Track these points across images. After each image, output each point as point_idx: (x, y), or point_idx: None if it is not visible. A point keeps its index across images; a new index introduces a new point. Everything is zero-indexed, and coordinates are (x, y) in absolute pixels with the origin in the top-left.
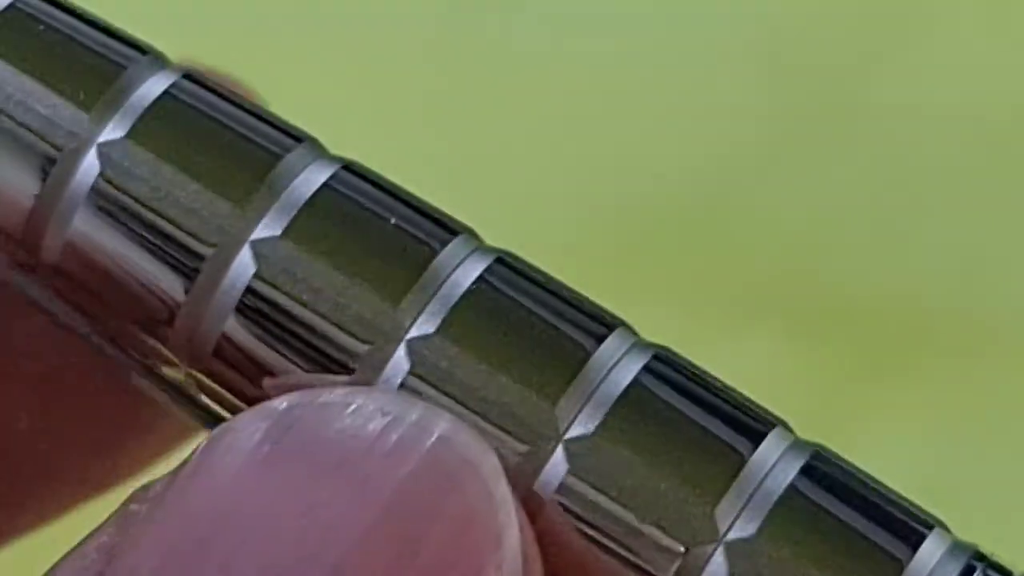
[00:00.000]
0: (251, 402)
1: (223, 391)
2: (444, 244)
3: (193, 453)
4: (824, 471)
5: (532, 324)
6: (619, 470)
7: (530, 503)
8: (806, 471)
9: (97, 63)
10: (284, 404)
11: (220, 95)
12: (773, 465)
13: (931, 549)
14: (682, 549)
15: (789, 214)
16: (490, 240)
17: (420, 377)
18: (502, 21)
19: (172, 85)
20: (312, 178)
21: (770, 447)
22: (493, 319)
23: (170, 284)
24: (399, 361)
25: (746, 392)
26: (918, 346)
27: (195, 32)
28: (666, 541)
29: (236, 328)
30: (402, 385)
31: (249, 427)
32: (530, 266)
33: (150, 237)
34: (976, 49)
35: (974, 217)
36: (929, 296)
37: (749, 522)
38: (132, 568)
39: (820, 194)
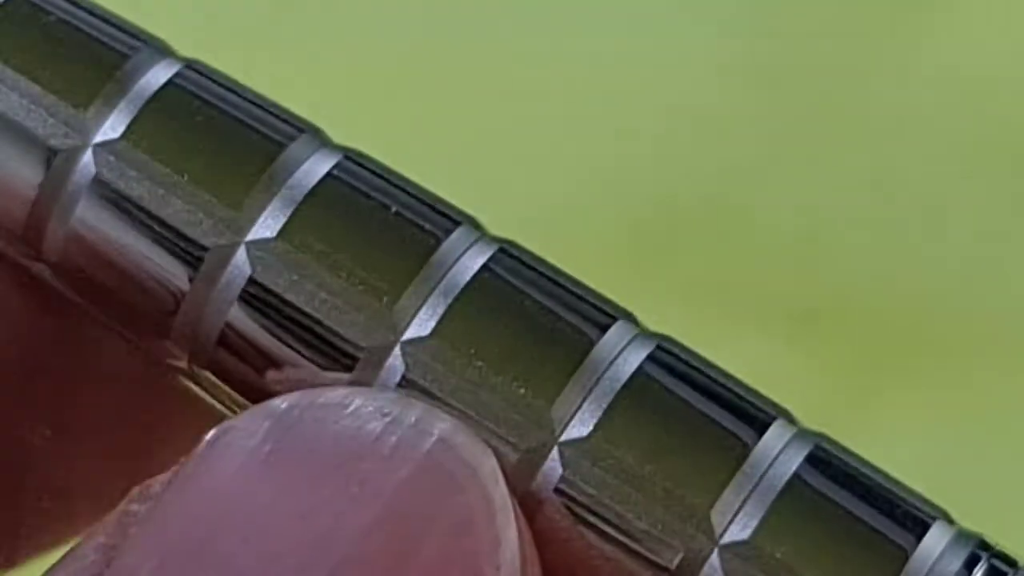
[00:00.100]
0: (255, 399)
1: (226, 387)
2: (446, 234)
3: (193, 452)
4: (828, 460)
5: (533, 315)
6: (620, 464)
7: (529, 502)
8: (810, 460)
9: (98, 54)
10: (284, 404)
11: (222, 85)
12: (777, 455)
13: (935, 538)
14: (685, 541)
15: (790, 214)
16: None
17: (420, 375)
18: (502, 21)
19: (175, 76)
20: (316, 168)
21: (774, 437)
22: (494, 310)
23: (174, 274)
24: (399, 358)
25: None
26: (919, 346)
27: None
28: (669, 534)
29: (240, 317)
30: (402, 382)
31: (249, 427)
32: (532, 255)
33: (153, 228)
34: (977, 48)
35: (974, 217)
36: (930, 296)
37: (752, 513)
38: (132, 569)
39: (821, 194)
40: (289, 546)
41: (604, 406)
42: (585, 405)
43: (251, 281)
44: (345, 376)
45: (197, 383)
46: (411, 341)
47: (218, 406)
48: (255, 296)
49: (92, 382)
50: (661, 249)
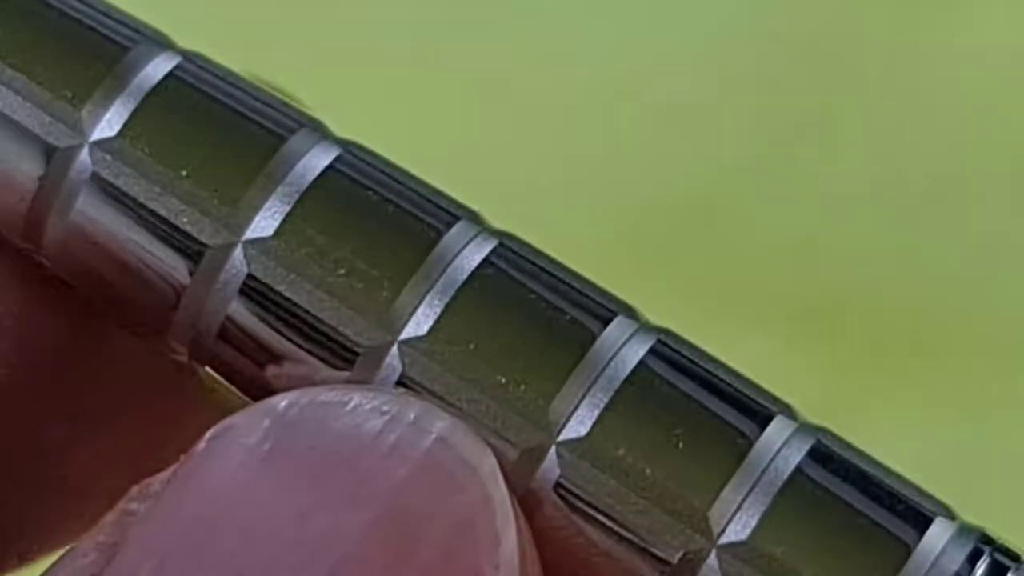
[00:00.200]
0: (255, 395)
1: (226, 382)
2: (443, 232)
3: (192, 451)
4: (830, 455)
5: (532, 312)
6: (621, 462)
7: (528, 500)
8: (812, 454)
9: (94, 49)
10: (284, 402)
11: (219, 78)
12: (779, 449)
13: (938, 533)
14: (686, 537)
15: (790, 214)
16: None
17: (418, 374)
18: (501, 20)
19: (171, 71)
20: (313, 164)
21: (776, 431)
22: (492, 308)
23: (173, 269)
24: (397, 357)
25: None
26: (919, 346)
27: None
28: (671, 529)
29: (240, 312)
30: (400, 380)
31: (248, 425)
32: (531, 249)
33: (151, 225)
34: (977, 48)
35: (975, 217)
36: (930, 296)
37: (754, 509)
38: (131, 568)
39: (821, 194)
40: (288, 545)
41: (604, 403)
42: (585, 402)
43: (249, 278)
44: (345, 372)
45: (199, 378)
46: (408, 340)
47: (222, 399)
48: (254, 293)
49: (109, 373)
50: (661, 249)
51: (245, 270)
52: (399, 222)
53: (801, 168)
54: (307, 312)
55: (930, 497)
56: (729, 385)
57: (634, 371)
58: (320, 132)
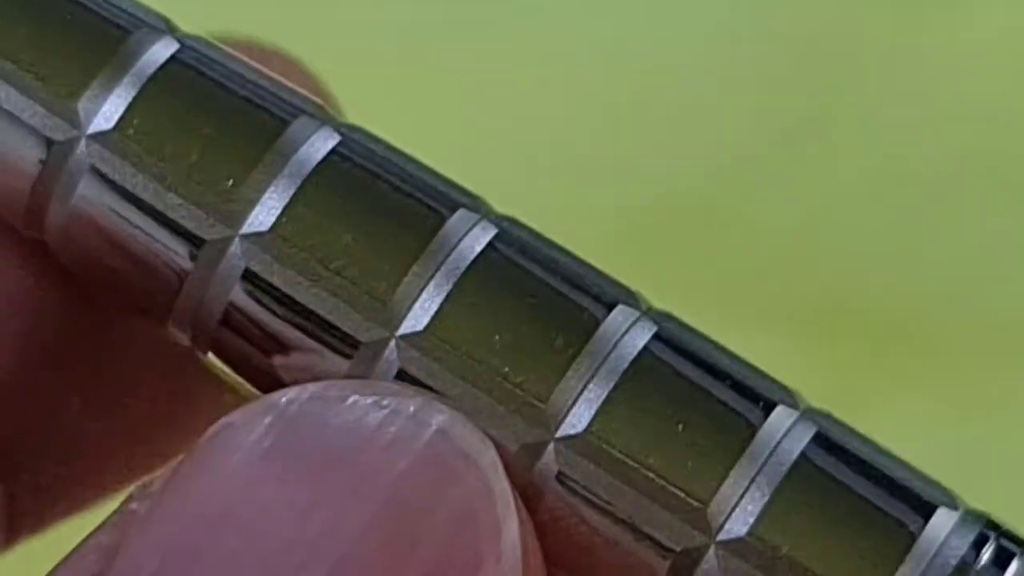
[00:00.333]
0: (258, 383)
1: (228, 369)
2: (439, 225)
3: (192, 449)
4: (835, 440)
5: (531, 304)
6: (624, 453)
7: (530, 491)
8: (817, 440)
9: (91, 37)
10: (283, 399)
11: (222, 63)
12: (784, 435)
13: (942, 519)
14: (691, 526)
15: (791, 213)
16: None
17: (416, 370)
18: (502, 17)
19: (169, 59)
20: (312, 154)
21: (780, 417)
22: (491, 301)
23: (174, 256)
24: (395, 352)
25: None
26: (919, 346)
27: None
28: (675, 519)
29: (240, 301)
30: (399, 375)
31: (248, 423)
32: (531, 235)
33: (150, 217)
34: (978, 48)
35: (976, 216)
36: (931, 296)
37: (759, 496)
38: (133, 568)
39: (822, 193)
40: (290, 542)
41: (604, 395)
42: (585, 394)
43: (248, 272)
44: (347, 360)
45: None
46: (406, 336)
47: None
48: (253, 285)
49: (116, 351)
50: (660, 248)
51: (242, 264)
52: (398, 210)
53: (801, 168)
54: (305, 307)
55: (934, 483)
56: (732, 371)
57: (637, 360)
58: (317, 119)
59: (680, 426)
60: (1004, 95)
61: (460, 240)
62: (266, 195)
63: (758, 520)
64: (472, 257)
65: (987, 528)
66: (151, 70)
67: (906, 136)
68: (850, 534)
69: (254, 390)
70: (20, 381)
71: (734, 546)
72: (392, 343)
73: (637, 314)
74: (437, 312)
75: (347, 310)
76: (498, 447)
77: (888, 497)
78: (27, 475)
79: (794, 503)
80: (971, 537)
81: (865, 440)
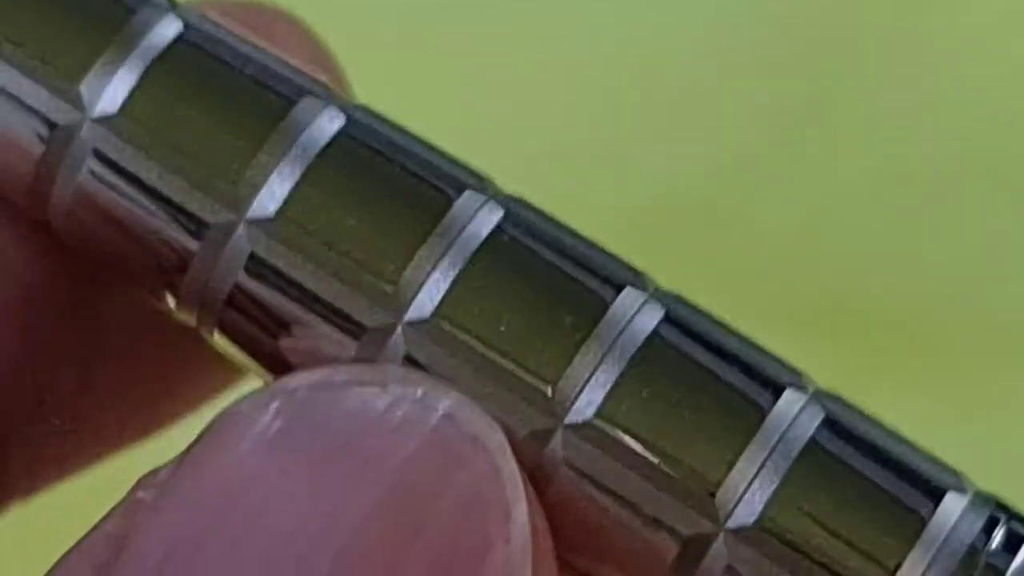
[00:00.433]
0: (264, 364)
1: (235, 348)
2: (445, 209)
3: (199, 437)
4: (845, 424)
5: (537, 290)
6: (632, 435)
7: (539, 474)
8: (827, 424)
9: (101, 12)
10: (291, 384)
11: (226, 42)
12: (794, 419)
13: (953, 502)
14: (700, 511)
15: (791, 213)
16: None
17: (423, 357)
18: (502, 12)
19: (179, 35)
20: (317, 137)
21: (790, 401)
22: (498, 286)
23: (179, 238)
24: (401, 338)
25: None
26: (920, 346)
27: None
28: (683, 505)
29: (248, 282)
30: (406, 360)
31: (255, 410)
32: (538, 216)
33: (155, 200)
34: (978, 47)
35: (976, 216)
36: (931, 296)
37: (768, 482)
38: (141, 556)
39: (822, 193)
40: (297, 527)
41: (613, 380)
42: (594, 379)
43: (252, 256)
44: (354, 344)
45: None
46: (413, 322)
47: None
48: (258, 270)
49: (119, 325)
50: (660, 248)
51: (248, 248)
52: (405, 192)
53: (801, 168)
54: (312, 292)
55: (943, 465)
56: (742, 353)
57: (646, 343)
58: (323, 99)
59: (689, 411)
60: (1005, 94)
61: (468, 222)
62: (271, 178)
63: (767, 507)
64: (480, 240)
65: (997, 511)
66: (155, 52)
67: (906, 135)
68: (860, 519)
69: (260, 370)
70: (18, 353)
71: (743, 533)
72: (399, 328)
73: (645, 296)
74: (445, 296)
75: (354, 294)
76: (506, 433)
77: (898, 481)
78: (22, 444)
79: (803, 488)
80: (981, 521)
81: (875, 422)
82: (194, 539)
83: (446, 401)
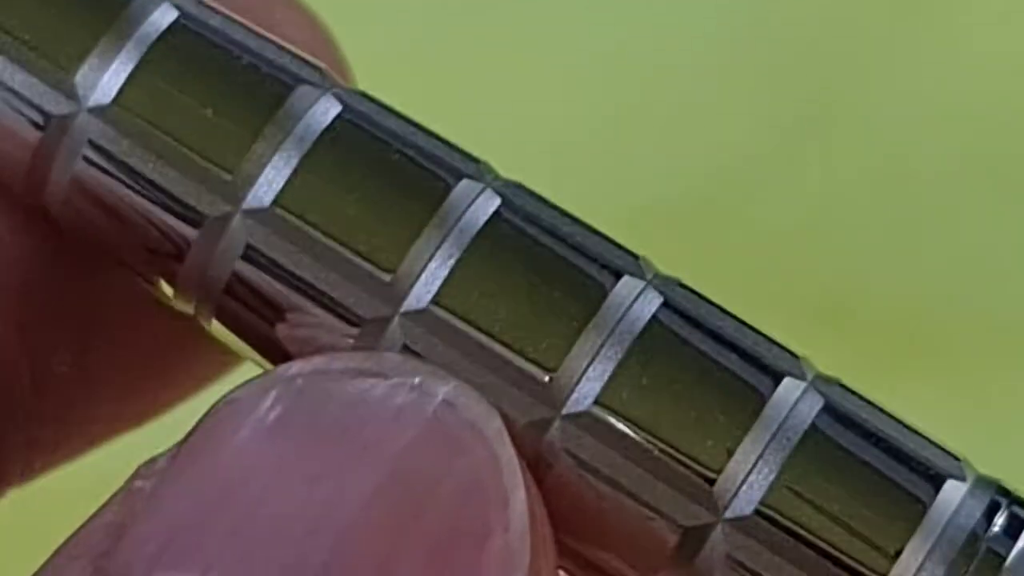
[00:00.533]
0: (262, 351)
1: (234, 336)
2: (454, 184)
3: (197, 425)
4: (845, 410)
5: (535, 280)
6: (631, 425)
7: (538, 462)
8: (827, 410)
9: (88, 7)
10: (289, 372)
11: (222, 30)
12: (793, 405)
13: (955, 487)
14: (699, 502)
15: (791, 213)
16: None
17: (421, 347)
18: (503, 16)
19: (173, 24)
20: (314, 124)
21: (791, 385)
22: (496, 275)
23: (176, 228)
24: (399, 329)
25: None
26: (920, 346)
27: None
28: (683, 491)
29: (246, 271)
30: (404, 349)
31: (254, 397)
32: (535, 203)
33: (151, 191)
34: (978, 48)
35: (976, 216)
36: (931, 296)
37: (767, 471)
38: (140, 544)
39: (822, 193)
40: (296, 513)
41: (612, 369)
42: (592, 367)
43: (249, 247)
44: (354, 330)
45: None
46: (410, 313)
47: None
48: (255, 260)
49: (116, 310)
50: (659, 248)
51: (244, 239)
52: (402, 180)
53: (801, 168)
54: (309, 282)
55: (945, 449)
56: (741, 339)
57: (645, 331)
58: (319, 87)
59: (688, 399)
60: (1004, 95)
61: (465, 210)
62: (267, 169)
63: (767, 495)
64: (477, 228)
65: (999, 495)
66: (150, 41)
67: (906, 136)
68: (860, 505)
69: (259, 359)
70: (13, 338)
71: (742, 523)
72: (397, 317)
73: (644, 282)
74: (442, 285)
75: (352, 285)
76: (505, 421)
77: (899, 466)
78: (19, 428)
79: (804, 475)
80: (983, 506)
81: (876, 408)
82: (193, 527)
83: (444, 388)
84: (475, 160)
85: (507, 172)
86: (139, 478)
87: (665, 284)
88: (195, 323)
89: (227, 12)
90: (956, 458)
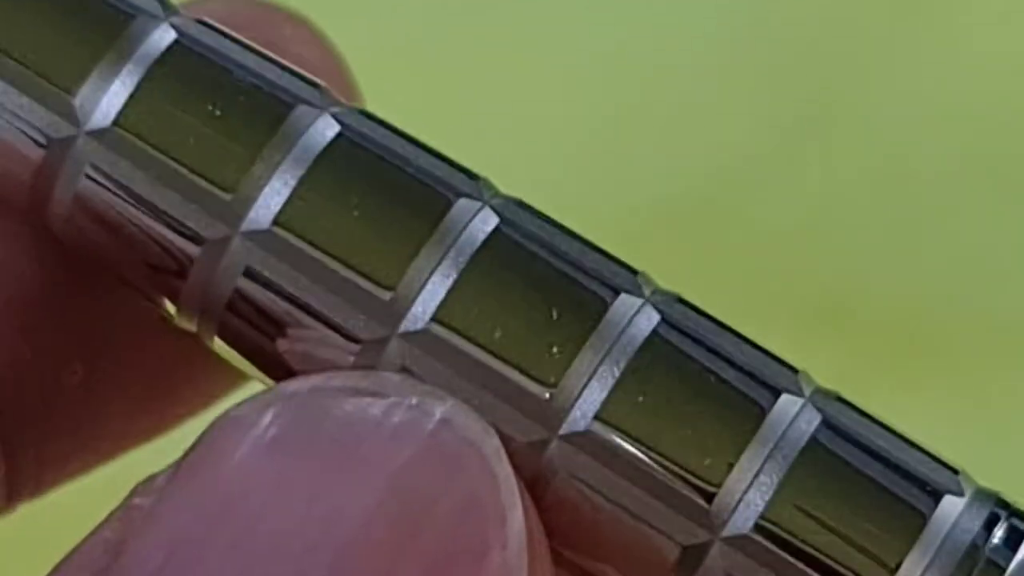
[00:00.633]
0: (263, 368)
1: (235, 352)
2: (452, 201)
3: (196, 442)
4: (843, 424)
5: (541, 283)
6: (630, 437)
7: (537, 480)
8: (826, 424)
9: (94, 22)
10: (288, 389)
11: (221, 51)
12: (793, 419)
13: (954, 500)
14: (697, 520)
15: (791, 214)
16: None
17: (419, 367)
18: (502, 17)
19: (172, 45)
20: (313, 143)
21: (789, 400)
22: (494, 296)
23: (178, 247)
24: (397, 349)
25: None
26: (920, 347)
27: None
28: (681, 509)
29: (247, 289)
30: (402, 369)
31: (253, 415)
32: (540, 216)
33: (151, 212)
34: (978, 48)
35: (976, 217)
36: (931, 297)
37: (768, 482)
38: (139, 561)
39: (822, 194)
40: (295, 530)
41: (611, 386)
42: (590, 385)
43: (249, 269)
44: (355, 347)
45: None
46: (409, 333)
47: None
48: (254, 281)
49: (123, 327)
50: (660, 248)
51: (244, 261)
52: (401, 200)
53: (801, 168)
54: (308, 303)
55: (943, 462)
56: (739, 355)
57: (643, 347)
58: (317, 106)
59: (686, 416)
60: (1004, 95)
61: (464, 229)
62: (266, 190)
63: (766, 510)
64: (475, 246)
65: (998, 507)
66: (148, 63)
67: (906, 136)
68: (860, 519)
69: (260, 375)
70: (24, 354)
71: (740, 542)
72: (396, 336)
73: (642, 299)
74: (441, 303)
75: (351, 306)
76: (503, 440)
77: (898, 479)
78: (30, 444)
79: (803, 489)
80: (982, 518)
81: (874, 421)
82: (192, 544)
83: (442, 406)
84: (474, 177)
85: (507, 173)
86: (138, 495)
87: (663, 300)
88: (199, 341)
89: (226, 31)
90: (955, 471)
